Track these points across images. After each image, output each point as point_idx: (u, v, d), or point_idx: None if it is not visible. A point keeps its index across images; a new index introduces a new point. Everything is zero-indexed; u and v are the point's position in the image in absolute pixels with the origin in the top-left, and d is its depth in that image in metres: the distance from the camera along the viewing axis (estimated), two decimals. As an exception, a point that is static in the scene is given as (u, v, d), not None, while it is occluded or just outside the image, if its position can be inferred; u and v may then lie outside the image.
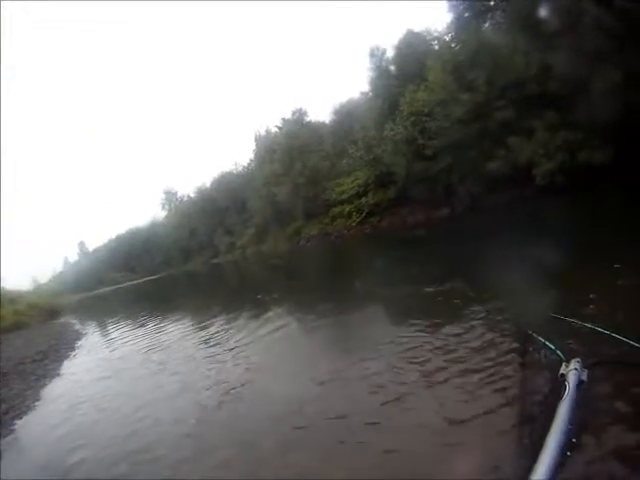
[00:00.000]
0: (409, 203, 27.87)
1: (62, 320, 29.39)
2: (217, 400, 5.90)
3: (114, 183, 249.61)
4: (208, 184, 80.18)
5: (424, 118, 24.23)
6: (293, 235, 44.61)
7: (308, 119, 48.84)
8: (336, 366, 5.76)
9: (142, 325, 16.48)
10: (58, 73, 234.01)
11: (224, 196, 69.37)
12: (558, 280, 6.65)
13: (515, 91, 18.39)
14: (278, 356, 7.44)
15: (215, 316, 13.26)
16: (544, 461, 1.16)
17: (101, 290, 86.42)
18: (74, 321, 27.46)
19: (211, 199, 73.79)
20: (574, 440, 1.83)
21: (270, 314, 11.25)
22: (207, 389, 6.53)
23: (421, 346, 5.52)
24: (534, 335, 3.51)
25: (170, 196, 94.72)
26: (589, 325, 3.48)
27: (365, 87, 34.91)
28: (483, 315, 6.09)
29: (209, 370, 7.73)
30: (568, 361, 2.06)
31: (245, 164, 70.80)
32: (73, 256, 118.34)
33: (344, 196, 37.48)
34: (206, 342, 10.36)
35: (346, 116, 41.83)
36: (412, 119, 25.12)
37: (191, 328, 13.11)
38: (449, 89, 20.35)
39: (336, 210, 38.32)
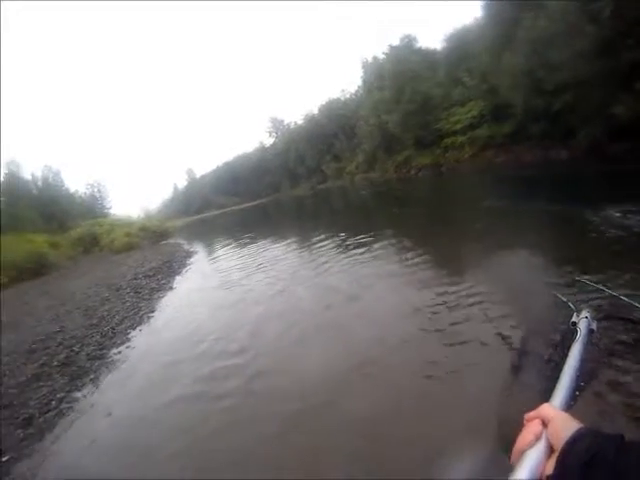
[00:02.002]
0: (525, 141, 26.09)
1: (171, 241, 31.52)
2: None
3: (222, 112, 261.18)
4: (315, 111, 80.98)
5: (544, 49, 21.65)
6: (402, 164, 44.16)
7: (418, 45, 46.40)
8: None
9: (248, 245, 17.23)
10: None
11: (332, 123, 70.26)
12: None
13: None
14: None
15: (317, 239, 14.09)
16: (559, 394, 1.12)
17: (208, 214, 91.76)
18: (183, 242, 29.26)
19: (318, 125, 74.90)
20: (582, 384, 2.27)
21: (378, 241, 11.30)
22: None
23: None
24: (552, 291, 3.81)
25: (277, 123, 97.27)
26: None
27: (479, 13, 31.76)
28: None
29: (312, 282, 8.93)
30: (579, 312, 2.13)
31: (353, 91, 70.86)
32: (182, 183, 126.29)
33: (457, 127, 36.07)
34: (309, 262, 11.15)
35: (459, 43, 39.03)
36: (531, 49, 22.68)
37: (294, 249, 13.99)
38: (571, 18, 17.79)
39: (448, 141, 37.08)
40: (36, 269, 23.67)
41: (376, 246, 10.60)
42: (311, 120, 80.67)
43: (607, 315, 3.14)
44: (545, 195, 12.28)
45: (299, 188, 79.53)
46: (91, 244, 32.77)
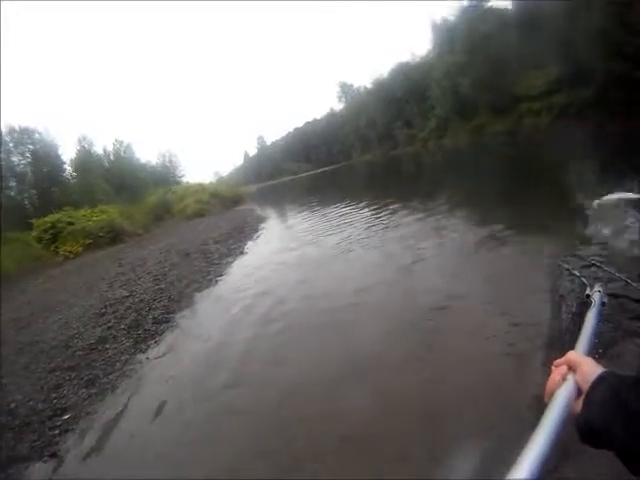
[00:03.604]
0: (605, 109, 23.62)
1: (243, 207, 32.05)
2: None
3: (291, 77, 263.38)
4: (385, 75, 78.92)
5: (624, 9, 19.68)
6: (476, 130, 42.69)
7: (489, 4, 44.28)
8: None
9: (320, 210, 17.22)
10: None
11: (402, 87, 68.51)
12: None
13: None
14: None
15: (388, 205, 13.86)
16: (581, 344, 1.14)
17: (280, 180, 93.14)
18: (255, 207, 29.71)
19: (389, 90, 72.84)
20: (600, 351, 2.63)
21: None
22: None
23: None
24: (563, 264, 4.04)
25: (346, 88, 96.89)
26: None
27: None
28: None
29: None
30: (592, 286, 2.16)
31: (423, 54, 68.13)
32: (252, 150, 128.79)
33: (533, 92, 34.50)
34: (381, 227, 11.04)
35: (534, 1, 36.27)
36: (610, 9, 20.65)
37: (363, 212, 14.13)
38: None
39: (524, 107, 35.70)
40: (110, 238, 25.15)
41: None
42: (381, 84, 78.73)
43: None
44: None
45: (370, 154, 78.80)
46: (163, 212, 33.99)
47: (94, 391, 5.46)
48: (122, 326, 7.74)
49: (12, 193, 39.51)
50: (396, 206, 13.28)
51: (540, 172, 13.87)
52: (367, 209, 14.50)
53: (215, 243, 15.24)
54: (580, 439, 0.80)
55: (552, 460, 0.74)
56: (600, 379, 0.81)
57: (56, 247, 24.10)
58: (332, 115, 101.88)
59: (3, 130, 39.62)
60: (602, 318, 1.64)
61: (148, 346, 6.63)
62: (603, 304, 1.82)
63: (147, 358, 6.18)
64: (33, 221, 26.30)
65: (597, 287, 2.02)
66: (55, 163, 43.36)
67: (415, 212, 11.49)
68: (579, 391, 0.84)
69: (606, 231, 5.85)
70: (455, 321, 4.68)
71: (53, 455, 4.30)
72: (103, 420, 4.75)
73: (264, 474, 3.21)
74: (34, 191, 40.64)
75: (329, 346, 4.98)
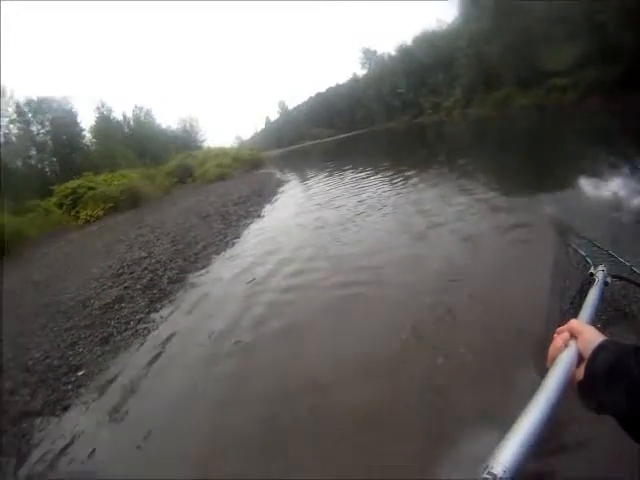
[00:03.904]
0: (638, 87, 22.31)
1: (264, 171, 31.97)
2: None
3: (313, 44, 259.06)
4: (409, 42, 76.55)
5: None
6: (501, 102, 41.14)
7: None
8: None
9: (341, 175, 17.28)
10: None
11: (427, 54, 66.40)
12: None
13: None
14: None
15: (407, 171, 13.69)
16: (584, 314, 1.20)
17: (302, 145, 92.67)
18: (276, 171, 29.62)
19: (413, 57, 70.88)
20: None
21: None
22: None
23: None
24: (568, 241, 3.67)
25: (369, 54, 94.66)
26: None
27: None
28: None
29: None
30: (596, 266, 2.26)
31: (449, 21, 65.78)
32: (274, 115, 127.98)
33: (561, 66, 32.19)
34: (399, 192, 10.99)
35: None
36: None
37: (383, 178, 13.91)
38: None
39: (551, 81, 33.82)
40: (131, 201, 25.30)
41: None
42: (405, 51, 76.20)
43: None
44: None
45: (394, 121, 77.47)
46: (184, 176, 34.07)
47: (108, 349, 5.52)
48: (138, 286, 7.80)
49: (33, 162, 40.43)
50: (415, 172, 13.11)
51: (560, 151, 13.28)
52: (388, 174, 14.24)
53: (234, 205, 15.21)
54: (582, 404, 0.82)
55: (552, 422, 0.75)
56: (601, 347, 0.83)
57: (77, 212, 24.46)
58: (355, 81, 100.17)
59: (22, 101, 40.48)
60: (603, 297, 1.72)
61: (162, 305, 6.67)
62: (606, 283, 1.91)
63: (161, 317, 6.21)
64: (54, 187, 26.87)
65: (601, 267, 2.16)
66: (74, 130, 43.94)
67: (436, 177, 11.44)
68: (580, 357, 0.86)
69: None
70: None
71: (65, 409, 4.38)
72: (115, 375, 4.84)
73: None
74: (54, 159, 41.35)
75: (351, 305, 4.99)
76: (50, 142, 41.64)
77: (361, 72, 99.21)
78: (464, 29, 50.55)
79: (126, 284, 8.11)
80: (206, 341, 5.06)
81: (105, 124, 48.25)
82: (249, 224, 11.72)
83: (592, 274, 2.12)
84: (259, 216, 12.74)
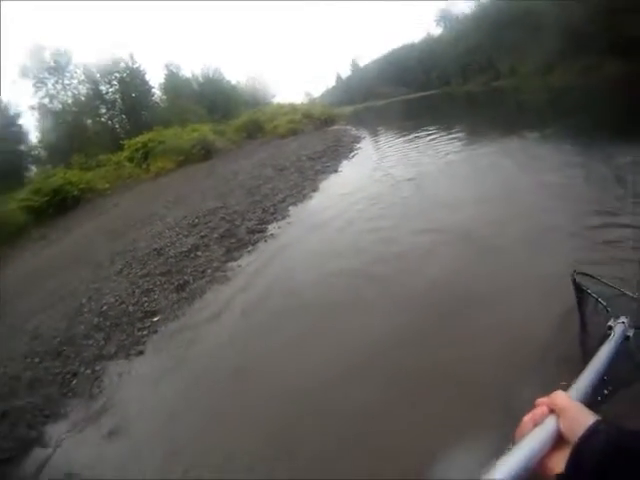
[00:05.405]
0: None
1: (338, 127, 31.62)
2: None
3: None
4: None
5: None
6: (584, 71, 37.93)
7: None
8: None
9: (416, 134, 16.86)
10: None
11: (509, 14, 62.85)
12: None
13: None
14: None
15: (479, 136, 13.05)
16: (578, 386, 0.92)
17: (374, 103, 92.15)
18: (351, 127, 29.27)
19: (491, 16, 67.78)
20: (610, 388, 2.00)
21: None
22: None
23: None
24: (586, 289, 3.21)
25: (445, 13, 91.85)
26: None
27: None
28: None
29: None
30: (617, 317, 2.04)
31: None
32: (345, 72, 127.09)
33: None
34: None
35: None
36: None
37: (452, 141, 13.08)
38: None
39: None
40: (202, 154, 25.71)
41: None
42: (483, 10, 73.65)
43: None
44: None
45: (470, 84, 75.27)
46: (254, 131, 34.18)
47: (184, 295, 5.45)
48: (215, 235, 7.70)
49: (103, 119, 42.22)
50: (487, 139, 12.14)
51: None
52: (459, 136, 13.53)
53: (309, 160, 14.91)
54: None
55: None
56: (591, 431, 0.67)
57: (148, 165, 25.17)
58: (429, 40, 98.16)
59: (92, 62, 42.17)
60: (624, 353, 1.60)
61: (241, 255, 6.50)
62: (627, 338, 1.78)
63: (239, 266, 6.04)
64: (124, 142, 27.76)
65: (622, 318, 1.98)
66: (143, 88, 45.48)
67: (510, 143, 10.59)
68: (561, 441, 0.71)
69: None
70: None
71: (140, 353, 4.36)
72: (191, 322, 4.81)
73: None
74: (124, 116, 42.95)
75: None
76: (119, 100, 43.23)
77: (436, 31, 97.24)
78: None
79: (202, 233, 8.04)
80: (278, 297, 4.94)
81: (174, 81, 49.54)
82: (325, 179, 11.41)
83: (610, 327, 1.94)
84: (335, 171, 12.41)
